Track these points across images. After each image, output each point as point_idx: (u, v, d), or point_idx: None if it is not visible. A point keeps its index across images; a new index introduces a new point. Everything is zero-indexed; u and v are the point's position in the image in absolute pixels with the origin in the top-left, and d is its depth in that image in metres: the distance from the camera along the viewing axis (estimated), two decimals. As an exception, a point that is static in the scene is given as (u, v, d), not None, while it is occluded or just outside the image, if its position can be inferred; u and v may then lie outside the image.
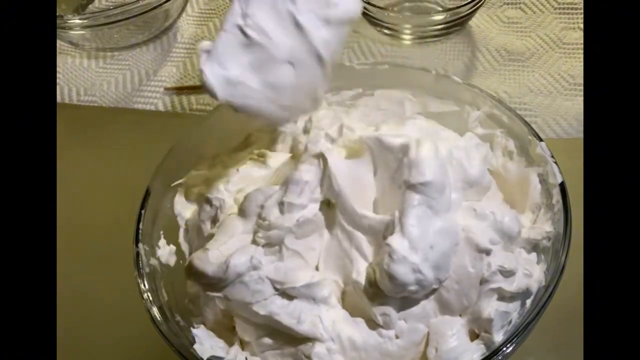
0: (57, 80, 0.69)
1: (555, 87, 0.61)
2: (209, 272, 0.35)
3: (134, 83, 0.68)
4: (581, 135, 0.56)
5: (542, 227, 0.39)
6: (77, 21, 0.65)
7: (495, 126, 0.44)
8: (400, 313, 0.35)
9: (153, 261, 0.39)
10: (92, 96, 0.67)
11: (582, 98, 0.59)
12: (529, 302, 0.36)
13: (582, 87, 0.60)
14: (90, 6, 0.77)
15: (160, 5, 0.67)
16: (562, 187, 0.38)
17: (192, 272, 0.36)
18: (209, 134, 0.46)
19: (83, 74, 0.70)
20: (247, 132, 0.46)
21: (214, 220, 0.40)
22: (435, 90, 0.46)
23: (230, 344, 0.37)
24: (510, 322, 0.36)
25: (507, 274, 0.36)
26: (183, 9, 0.73)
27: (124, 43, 0.71)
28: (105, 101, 0.66)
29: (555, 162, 0.40)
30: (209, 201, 0.40)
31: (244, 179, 0.41)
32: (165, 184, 0.43)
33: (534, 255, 0.38)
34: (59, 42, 0.71)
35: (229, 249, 0.36)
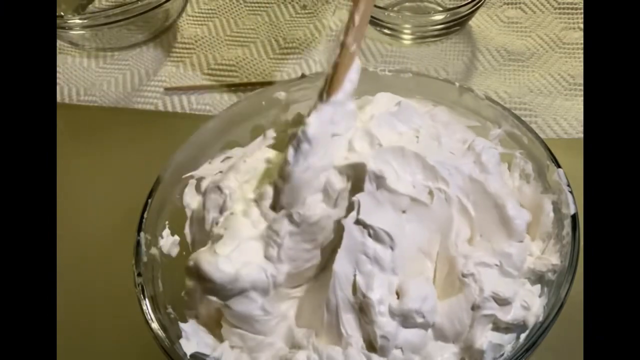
0: (57, 80, 0.69)
1: (555, 87, 0.61)
2: (216, 279, 0.34)
3: (134, 83, 0.68)
4: (581, 135, 0.56)
5: (549, 258, 0.37)
6: (77, 21, 0.65)
7: (515, 146, 0.43)
8: (399, 338, 0.35)
9: (154, 250, 0.40)
10: (92, 96, 0.67)
11: (582, 98, 0.59)
12: (523, 336, 0.36)
13: (582, 87, 0.60)
14: (90, 6, 0.77)
15: (160, 5, 0.67)
16: (574, 219, 0.37)
17: (199, 275, 0.35)
18: (223, 128, 0.46)
19: (83, 74, 0.70)
20: (264, 130, 0.46)
21: (222, 210, 0.39)
22: (457, 103, 0.45)
23: (220, 340, 0.37)
24: (502, 354, 0.35)
25: (502, 302, 0.35)
26: (183, 9, 0.73)
27: (124, 43, 0.71)
28: (105, 101, 0.66)
29: (571, 192, 0.38)
30: (219, 189, 0.39)
31: (251, 171, 0.40)
32: (175, 176, 0.43)
33: (537, 287, 0.37)
34: (59, 42, 0.71)
35: (240, 256, 0.35)
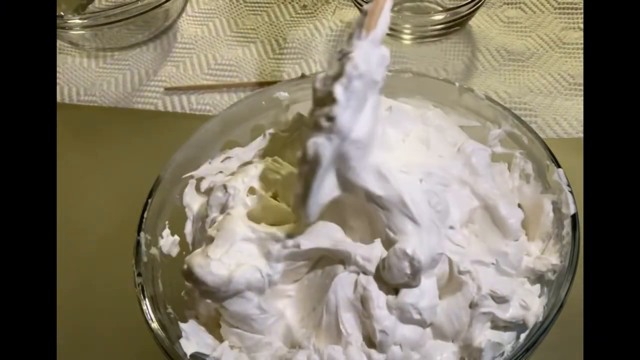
0: (57, 80, 0.69)
1: (555, 87, 0.61)
2: (209, 282, 0.34)
3: (134, 83, 0.68)
4: (581, 135, 0.56)
5: (549, 258, 0.37)
6: (77, 21, 0.65)
7: (515, 146, 0.43)
8: (397, 335, 0.35)
9: (154, 250, 0.40)
10: (92, 96, 0.67)
11: (582, 98, 0.59)
12: (523, 336, 0.36)
13: (582, 87, 0.60)
14: (90, 6, 0.77)
15: (160, 5, 0.67)
16: (574, 218, 0.37)
17: (192, 279, 0.35)
18: (223, 128, 0.46)
19: (83, 74, 0.70)
20: (264, 130, 0.46)
21: (223, 209, 0.39)
22: (457, 103, 0.45)
23: (220, 340, 0.37)
24: (502, 354, 0.35)
25: (500, 300, 0.35)
26: (183, 9, 0.73)
27: (124, 43, 0.71)
28: (105, 101, 0.66)
29: (571, 192, 0.38)
30: (224, 187, 0.39)
31: (260, 178, 0.40)
32: (175, 176, 0.43)
33: (537, 287, 0.37)
34: (59, 42, 0.71)
35: (233, 257, 0.35)
